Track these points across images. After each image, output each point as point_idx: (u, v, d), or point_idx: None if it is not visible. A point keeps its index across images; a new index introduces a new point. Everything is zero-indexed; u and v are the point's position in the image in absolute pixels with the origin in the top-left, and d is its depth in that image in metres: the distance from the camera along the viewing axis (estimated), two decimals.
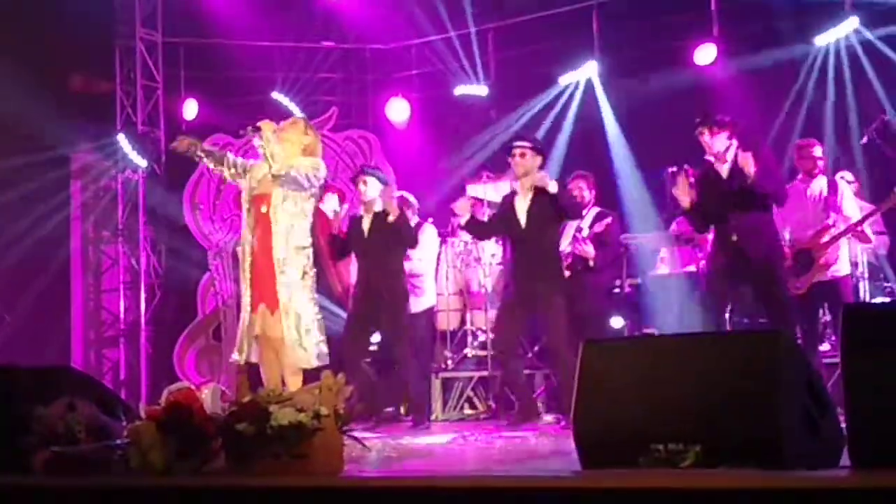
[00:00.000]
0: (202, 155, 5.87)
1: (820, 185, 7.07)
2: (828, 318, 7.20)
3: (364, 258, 7.41)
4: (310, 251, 5.59)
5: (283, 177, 5.49)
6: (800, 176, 7.16)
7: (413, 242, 7.47)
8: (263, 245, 5.51)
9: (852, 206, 7.06)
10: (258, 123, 5.65)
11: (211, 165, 5.94)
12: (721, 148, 6.33)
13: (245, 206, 5.70)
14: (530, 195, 6.87)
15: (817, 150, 7.12)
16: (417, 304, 8.12)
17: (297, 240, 5.52)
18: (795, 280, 6.88)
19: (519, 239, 7.00)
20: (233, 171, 5.82)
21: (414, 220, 7.96)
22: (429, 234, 8.24)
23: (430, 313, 8.42)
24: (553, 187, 6.73)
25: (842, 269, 7.01)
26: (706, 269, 6.88)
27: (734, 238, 6.26)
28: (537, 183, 6.77)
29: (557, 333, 6.80)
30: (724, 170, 6.35)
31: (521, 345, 7.52)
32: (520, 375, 7.19)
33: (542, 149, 7.14)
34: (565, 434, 3.88)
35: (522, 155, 6.90)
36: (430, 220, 8.46)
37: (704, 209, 6.48)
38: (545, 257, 6.89)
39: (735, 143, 6.32)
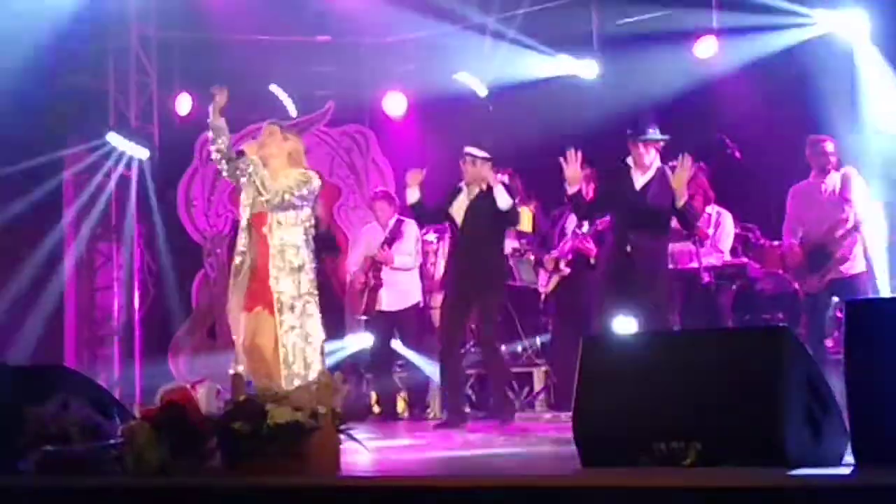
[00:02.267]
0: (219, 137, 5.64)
1: (833, 180, 6.93)
2: (839, 314, 6.89)
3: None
4: (307, 271, 5.51)
5: (277, 206, 5.46)
6: (813, 172, 7.01)
7: None
8: (262, 266, 5.48)
9: (865, 199, 6.91)
10: (241, 148, 5.61)
11: (214, 149, 5.71)
12: (646, 159, 6.38)
13: (244, 224, 5.61)
14: (473, 195, 6.91)
15: (829, 146, 6.97)
16: (403, 301, 8.13)
17: (292, 260, 5.48)
18: (811, 278, 6.80)
19: (456, 236, 7.07)
20: (233, 174, 5.71)
21: (394, 218, 8.20)
22: (410, 230, 8.27)
23: (417, 309, 8.38)
24: (502, 199, 6.73)
25: (857, 265, 6.83)
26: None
27: (628, 249, 6.31)
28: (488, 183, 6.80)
29: (489, 330, 6.94)
30: (639, 180, 6.38)
31: (462, 344, 7.48)
32: (457, 375, 7.10)
33: (494, 157, 7.04)
34: (565, 432, 3.85)
35: (473, 163, 6.92)
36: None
37: (601, 208, 6.63)
38: (482, 257, 6.87)
39: (659, 162, 6.40)
